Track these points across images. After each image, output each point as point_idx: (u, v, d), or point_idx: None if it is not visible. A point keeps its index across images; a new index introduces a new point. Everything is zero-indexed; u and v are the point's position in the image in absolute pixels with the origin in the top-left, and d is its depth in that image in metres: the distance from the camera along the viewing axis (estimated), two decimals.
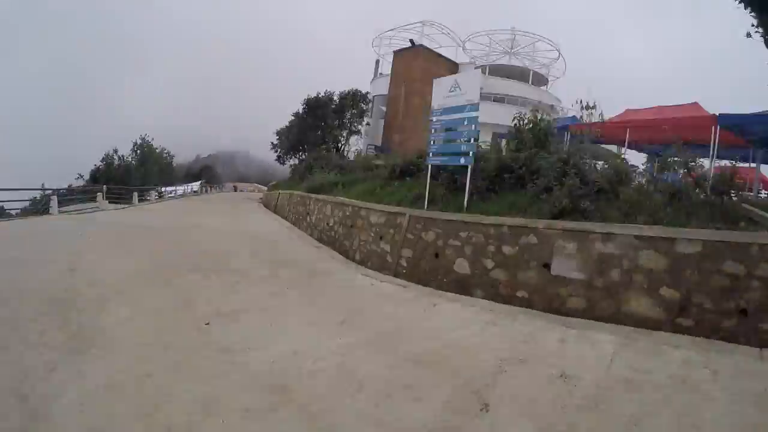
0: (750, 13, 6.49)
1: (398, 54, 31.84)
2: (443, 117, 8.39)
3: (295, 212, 16.99)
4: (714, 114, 10.65)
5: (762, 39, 6.59)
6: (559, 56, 35.53)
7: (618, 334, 4.69)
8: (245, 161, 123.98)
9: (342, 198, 11.80)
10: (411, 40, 31.62)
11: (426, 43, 32.34)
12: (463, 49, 35.36)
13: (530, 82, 34.52)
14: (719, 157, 9.94)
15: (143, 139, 42.39)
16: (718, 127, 10.34)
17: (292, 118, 33.76)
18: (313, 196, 14.85)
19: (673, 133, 7.60)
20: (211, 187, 54.70)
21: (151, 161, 41.66)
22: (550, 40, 35.08)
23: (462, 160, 7.84)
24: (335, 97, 33.52)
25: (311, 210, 14.35)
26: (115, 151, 39.64)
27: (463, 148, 7.86)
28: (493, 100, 30.66)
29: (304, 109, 32.90)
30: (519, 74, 34.91)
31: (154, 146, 42.83)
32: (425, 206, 8.32)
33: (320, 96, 32.61)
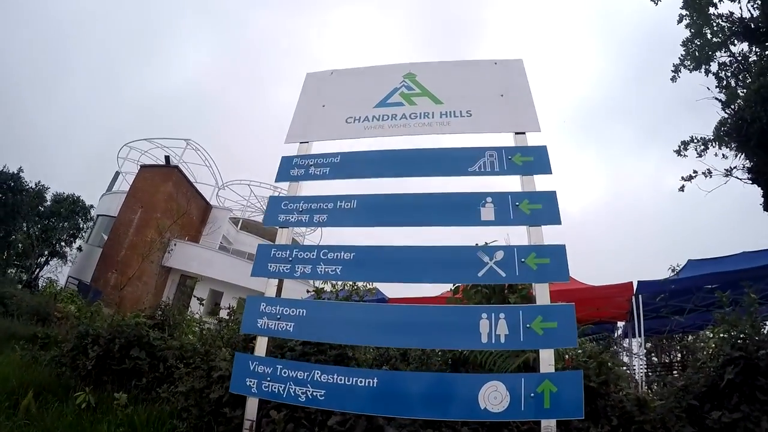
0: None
1: (146, 170, 23.86)
2: None
3: None
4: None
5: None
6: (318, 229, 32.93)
7: None
8: None
9: None
10: (167, 157, 24.25)
11: (183, 169, 25.35)
12: (216, 193, 29.33)
13: None
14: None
15: None
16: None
17: None
18: None
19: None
20: None
21: None
22: None
23: None
24: (47, 195, 21.96)
25: None
26: None
27: None
28: (248, 258, 25.38)
29: None
30: (272, 235, 30.64)
31: None
32: None
33: (21, 175, 20.28)
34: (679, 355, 15.07)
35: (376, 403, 2.55)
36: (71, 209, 22.85)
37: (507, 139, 3.34)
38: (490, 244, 2.95)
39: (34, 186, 21.87)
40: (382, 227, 2.99)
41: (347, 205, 3.04)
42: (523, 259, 2.73)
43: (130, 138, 26.66)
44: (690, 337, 13.22)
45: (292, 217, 3.14)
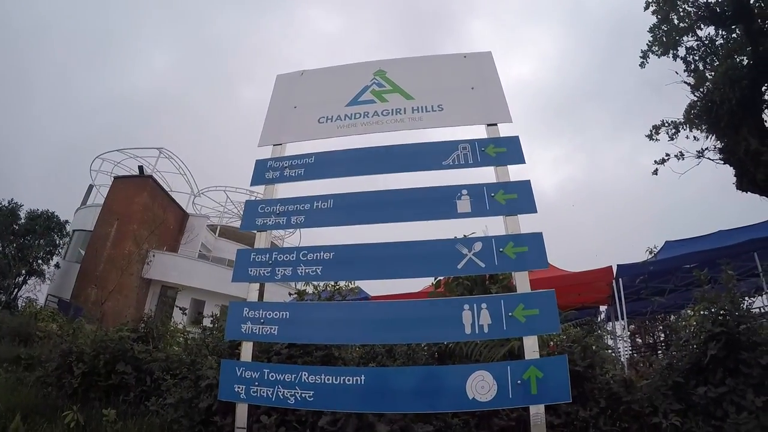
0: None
1: (120, 181, 23.40)
2: None
3: None
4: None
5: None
6: (296, 231, 32.48)
7: None
8: None
9: None
10: (140, 167, 23.73)
11: (158, 178, 24.84)
12: (192, 201, 28.83)
13: None
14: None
15: None
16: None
17: None
18: None
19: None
20: None
21: None
22: None
23: None
24: (21, 214, 21.61)
25: None
26: None
27: None
28: (228, 265, 24.67)
29: None
30: (251, 240, 30.61)
31: None
32: None
33: None
34: (663, 335, 15.38)
35: (365, 401, 2.56)
36: (46, 226, 22.32)
37: (479, 132, 3.37)
38: (469, 236, 2.97)
39: (7, 204, 21.41)
40: (360, 225, 2.99)
41: (324, 205, 3.05)
42: (501, 249, 2.76)
43: (92, 147, 26.07)
44: (672, 317, 13.47)
45: (269, 220, 3.13)
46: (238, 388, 2.78)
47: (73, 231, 24.20)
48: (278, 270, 2.91)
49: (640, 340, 16.25)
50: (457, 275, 3.65)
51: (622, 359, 7.84)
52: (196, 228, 25.79)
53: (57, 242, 22.91)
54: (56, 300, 19.91)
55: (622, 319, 10.10)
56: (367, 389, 2.53)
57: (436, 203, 2.97)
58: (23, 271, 21.57)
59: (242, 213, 3.27)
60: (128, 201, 21.99)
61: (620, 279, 9.79)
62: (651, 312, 13.21)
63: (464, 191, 2.97)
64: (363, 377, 2.54)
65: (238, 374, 2.78)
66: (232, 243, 27.94)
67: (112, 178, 24.13)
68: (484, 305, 2.61)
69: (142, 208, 21.82)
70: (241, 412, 2.77)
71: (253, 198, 27.87)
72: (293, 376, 2.65)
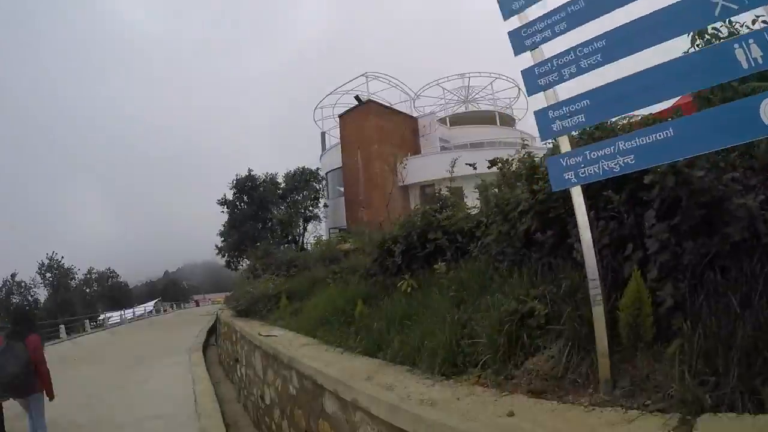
0: None
1: (345, 116, 25.65)
2: None
3: (227, 353, 11.13)
4: None
5: None
6: (519, 93, 30.76)
7: None
8: (211, 270, 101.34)
9: (280, 342, 5.95)
10: (357, 97, 25.32)
11: (376, 99, 26.39)
12: (413, 105, 30.28)
13: (498, 125, 30.38)
14: None
15: (51, 258, 38.74)
16: None
17: (223, 209, 26.87)
18: (238, 326, 8.83)
19: None
20: (166, 307, 46.39)
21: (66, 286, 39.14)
22: (508, 76, 30.13)
23: None
24: (279, 180, 27.14)
25: (240, 355, 8.65)
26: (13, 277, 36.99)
27: None
28: (470, 147, 24.94)
29: (235, 194, 26.31)
30: (482, 119, 31.03)
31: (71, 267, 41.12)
32: None
33: (253, 174, 26.25)
34: None
35: (678, 149, 2.75)
36: (303, 179, 26.87)
37: None
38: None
39: (265, 177, 26.64)
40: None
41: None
42: None
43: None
44: None
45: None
46: (568, 175, 3.01)
47: (326, 173, 28.36)
48: (564, 71, 3.06)
49: None
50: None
51: None
52: (428, 127, 26.68)
53: (317, 188, 27.37)
54: (336, 229, 23.37)
55: None
56: (677, 139, 2.74)
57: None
58: (301, 221, 26.61)
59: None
60: (360, 129, 24.07)
61: None
62: None
63: None
64: (671, 130, 2.76)
65: (564, 164, 3.04)
66: (466, 128, 29.14)
67: (338, 118, 26.78)
68: (751, 40, 2.56)
69: (374, 129, 23.55)
70: (577, 194, 2.99)
71: (466, 82, 27.77)
72: (611, 148, 2.93)
